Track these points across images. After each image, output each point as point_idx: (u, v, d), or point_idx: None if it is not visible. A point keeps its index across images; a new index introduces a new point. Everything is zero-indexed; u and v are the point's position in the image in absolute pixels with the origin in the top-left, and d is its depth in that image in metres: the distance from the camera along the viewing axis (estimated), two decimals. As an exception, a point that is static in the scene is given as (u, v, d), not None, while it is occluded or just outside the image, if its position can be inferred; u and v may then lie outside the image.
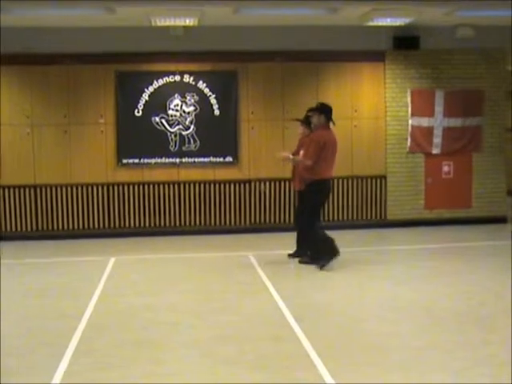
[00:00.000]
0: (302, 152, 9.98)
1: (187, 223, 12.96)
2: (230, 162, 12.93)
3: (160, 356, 6.03)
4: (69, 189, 12.68)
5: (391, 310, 7.52)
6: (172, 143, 12.77)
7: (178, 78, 12.72)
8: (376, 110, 13.15)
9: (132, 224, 12.86)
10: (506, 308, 7.48)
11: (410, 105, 13.18)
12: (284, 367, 5.71)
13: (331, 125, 9.92)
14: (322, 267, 9.60)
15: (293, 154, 10.26)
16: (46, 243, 12.19)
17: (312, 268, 9.65)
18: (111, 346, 6.36)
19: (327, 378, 5.40)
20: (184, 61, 12.75)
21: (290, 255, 10.35)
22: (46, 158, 12.57)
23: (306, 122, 10.29)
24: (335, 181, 12.58)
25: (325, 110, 9.86)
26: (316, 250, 9.85)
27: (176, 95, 12.72)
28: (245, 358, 5.92)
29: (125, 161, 12.72)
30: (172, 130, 12.76)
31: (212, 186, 12.96)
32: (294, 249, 10.37)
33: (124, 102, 12.63)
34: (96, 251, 11.41)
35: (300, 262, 10.03)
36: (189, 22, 11.25)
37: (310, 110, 10.12)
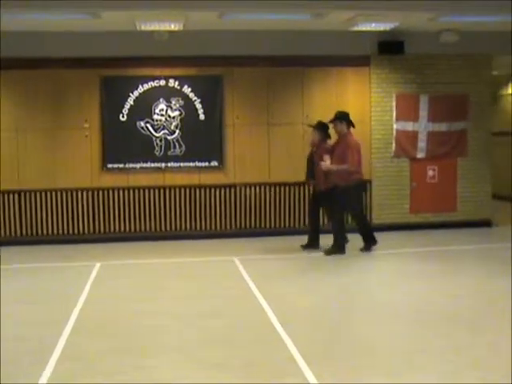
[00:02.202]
0: (326, 157, 10.79)
1: (173, 228, 12.92)
2: (215, 167, 12.91)
3: (146, 361, 6.00)
4: (53, 194, 12.61)
5: (379, 314, 7.53)
6: (157, 148, 12.74)
7: (163, 82, 12.69)
8: (361, 114, 13.14)
9: (117, 229, 12.81)
10: (493, 311, 7.52)
11: (394, 109, 13.22)
12: (271, 372, 5.69)
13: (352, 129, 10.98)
14: (329, 253, 10.69)
15: (308, 159, 11.39)
16: (31, 249, 12.10)
17: (299, 270, 9.69)
18: (97, 351, 6.32)
19: (314, 382, 5.39)
20: (169, 65, 12.73)
21: (303, 246, 11.41)
22: (30, 162, 12.50)
23: (320, 128, 11.13)
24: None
25: (344, 118, 10.85)
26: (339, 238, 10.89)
27: (161, 100, 12.70)
28: (232, 363, 5.90)
29: (110, 165, 12.67)
30: (157, 135, 12.73)
31: (197, 190, 12.93)
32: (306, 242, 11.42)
33: (109, 107, 12.59)
34: (81, 256, 11.34)
35: (325, 253, 10.84)
36: (174, 26, 11.23)
37: (331, 121, 10.97)
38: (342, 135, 10.90)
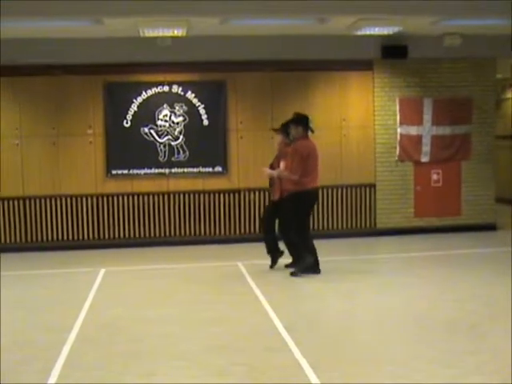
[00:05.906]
0: (282, 163, 9.88)
1: (177, 233, 12.93)
2: (219, 172, 12.91)
3: (151, 368, 5.99)
4: (58, 200, 12.63)
5: (382, 319, 7.51)
6: (161, 154, 12.75)
7: (166, 88, 12.71)
8: (365, 118, 13.17)
9: (121, 235, 12.82)
10: (495, 316, 7.49)
11: (398, 113, 13.21)
12: (276, 378, 5.68)
13: (310, 133, 9.82)
14: (295, 275, 9.60)
15: (271, 164, 10.25)
16: (35, 255, 12.12)
17: (302, 277, 9.64)
18: (101, 358, 6.32)
19: (319, 388, 5.39)
20: (172, 71, 12.75)
21: (287, 266, 10.22)
22: (34, 169, 12.52)
23: (283, 130, 10.13)
24: (324, 190, 12.68)
25: (301, 121, 9.75)
26: (302, 259, 9.68)
27: (165, 105, 12.71)
28: (236, 370, 5.89)
29: (114, 172, 12.68)
30: (161, 141, 12.74)
31: (201, 196, 12.94)
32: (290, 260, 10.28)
33: (113, 113, 12.61)
34: (85, 263, 11.35)
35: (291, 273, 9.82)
36: (177, 32, 11.22)
37: (286, 122, 9.98)
38: (295, 140, 9.74)
